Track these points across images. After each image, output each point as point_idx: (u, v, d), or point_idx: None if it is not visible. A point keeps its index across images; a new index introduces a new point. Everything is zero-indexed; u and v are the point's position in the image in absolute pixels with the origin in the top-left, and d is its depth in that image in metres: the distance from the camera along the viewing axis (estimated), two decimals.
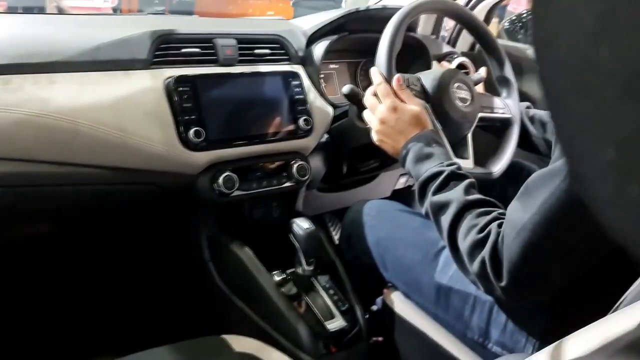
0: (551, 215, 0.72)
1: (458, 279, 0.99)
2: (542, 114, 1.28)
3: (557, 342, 0.53)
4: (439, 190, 0.91)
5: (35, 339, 1.33)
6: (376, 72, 1.06)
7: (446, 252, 1.03)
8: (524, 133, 1.26)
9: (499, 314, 0.94)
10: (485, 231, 0.82)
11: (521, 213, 0.75)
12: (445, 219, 0.88)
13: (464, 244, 0.84)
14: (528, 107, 1.31)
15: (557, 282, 0.80)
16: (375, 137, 1.06)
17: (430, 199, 0.91)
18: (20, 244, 1.12)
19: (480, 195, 0.89)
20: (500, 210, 0.86)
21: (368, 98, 1.07)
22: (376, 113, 1.04)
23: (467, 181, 0.91)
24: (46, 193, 1.00)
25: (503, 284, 0.78)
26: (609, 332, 0.48)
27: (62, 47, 0.99)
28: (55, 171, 0.98)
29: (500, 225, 0.81)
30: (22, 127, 0.92)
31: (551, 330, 0.89)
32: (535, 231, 0.73)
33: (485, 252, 0.80)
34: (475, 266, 0.82)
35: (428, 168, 0.94)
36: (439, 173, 0.92)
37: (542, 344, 0.89)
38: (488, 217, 0.84)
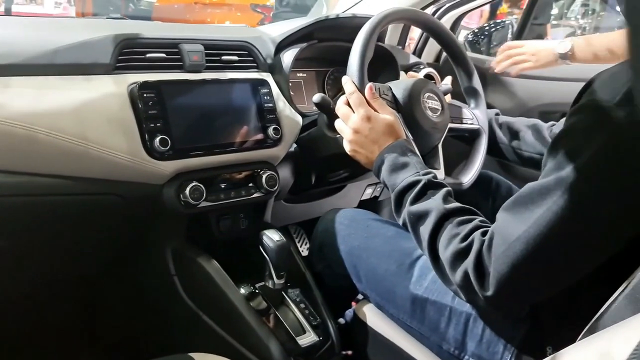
0: (547, 230, 0.72)
1: (434, 290, 0.97)
2: (511, 120, 1.29)
3: (551, 357, 0.52)
4: (417, 199, 0.90)
5: None
6: (348, 81, 1.04)
7: (421, 263, 1.02)
8: (492, 139, 1.28)
9: (476, 325, 0.93)
10: (468, 240, 0.81)
11: (514, 225, 0.75)
12: (425, 229, 0.87)
13: (445, 253, 0.82)
14: (497, 114, 1.33)
15: (543, 293, 0.80)
16: (348, 147, 1.04)
17: (408, 208, 0.90)
18: None
19: (459, 204, 0.88)
20: (481, 218, 0.86)
21: (340, 107, 1.05)
22: (349, 123, 1.02)
23: (444, 190, 0.91)
24: None
25: (488, 293, 0.77)
26: (605, 352, 0.47)
27: (18, 49, 0.93)
28: (8, 181, 0.92)
29: (483, 234, 0.80)
30: None
31: (529, 341, 0.89)
32: (529, 244, 0.73)
33: (469, 262, 0.79)
34: (457, 276, 0.80)
35: (404, 178, 0.93)
36: (416, 182, 0.92)
37: (520, 354, 0.89)
38: (470, 226, 0.83)
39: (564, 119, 0.79)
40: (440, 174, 1.14)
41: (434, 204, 0.88)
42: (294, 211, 1.47)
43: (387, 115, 1.01)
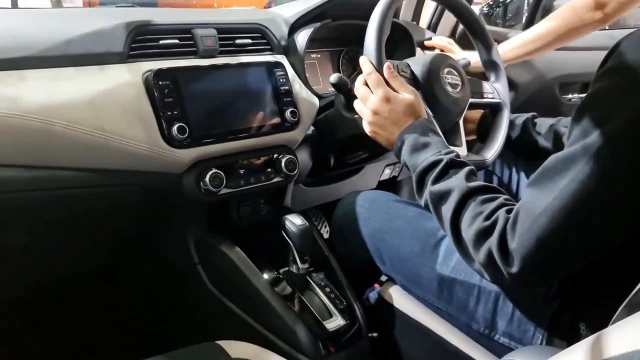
0: (573, 201, 0.69)
1: (461, 269, 0.96)
2: (551, 121, 1.23)
3: (595, 335, 0.50)
4: (439, 179, 0.88)
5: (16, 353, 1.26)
6: (366, 61, 1.02)
7: (446, 243, 1.00)
8: (533, 144, 1.24)
9: (505, 304, 0.91)
10: (492, 218, 0.78)
11: (539, 198, 0.72)
12: (447, 208, 0.84)
13: (468, 232, 0.80)
14: (534, 117, 1.28)
15: (571, 268, 0.77)
16: (368, 128, 1.02)
17: (430, 188, 0.88)
18: None
19: (482, 182, 0.86)
20: (506, 196, 0.83)
21: (359, 88, 1.02)
22: (368, 104, 1.00)
23: (467, 168, 0.88)
24: (16, 200, 0.93)
25: (513, 270, 0.74)
26: None
27: (31, 41, 0.92)
28: (26, 175, 0.91)
29: (508, 212, 0.78)
30: None
31: (560, 318, 0.87)
32: (554, 217, 0.70)
33: (493, 239, 0.76)
34: (481, 255, 0.78)
35: (425, 158, 0.91)
36: (437, 162, 0.89)
37: (552, 332, 0.87)
38: (494, 204, 0.81)
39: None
40: (462, 150, 1.11)
41: (457, 182, 0.85)
42: (312, 194, 1.46)
43: (407, 94, 0.99)
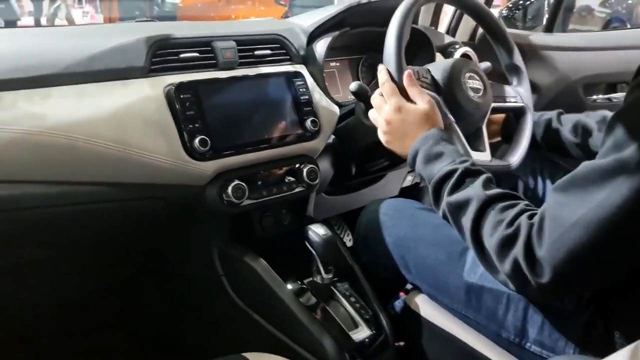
0: (610, 215, 0.67)
1: (489, 277, 0.93)
2: (578, 117, 1.21)
3: (636, 344, 0.49)
4: (455, 189, 0.86)
5: None
6: (382, 70, 1.01)
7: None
8: (559, 141, 1.22)
9: (536, 312, 0.89)
10: (514, 225, 0.77)
11: (570, 207, 0.70)
12: (467, 219, 0.83)
13: (491, 241, 0.79)
14: (560, 114, 1.25)
15: (605, 279, 0.76)
16: (383, 138, 1.03)
17: (447, 199, 0.86)
18: (14, 270, 1.05)
19: (500, 189, 0.84)
20: (526, 202, 0.82)
21: (375, 97, 1.03)
22: (382, 113, 1.00)
23: (483, 176, 0.86)
24: (42, 215, 0.94)
25: (543, 281, 0.73)
26: None
27: (55, 59, 0.93)
28: (50, 191, 0.92)
29: (530, 217, 0.76)
30: (15, 147, 0.86)
31: (594, 326, 0.85)
32: (589, 229, 0.68)
33: (518, 248, 0.75)
34: (506, 265, 0.76)
35: (440, 168, 0.89)
36: (453, 171, 0.87)
37: (585, 341, 0.85)
38: (515, 210, 0.79)
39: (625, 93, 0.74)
40: (486, 155, 1.10)
41: (474, 191, 0.83)
42: (335, 203, 1.45)
43: (423, 103, 0.97)
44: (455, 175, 0.86)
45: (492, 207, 0.81)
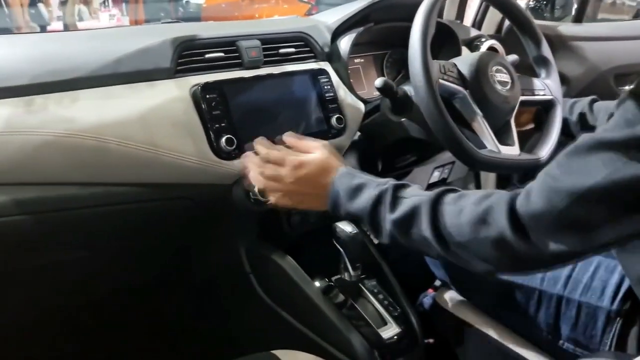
0: (621, 188, 0.61)
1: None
2: (611, 104, 1.17)
3: None
4: (394, 206, 0.81)
5: None
6: (259, 142, 0.98)
7: None
8: (589, 126, 1.18)
9: (569, 308, 0.88)
10: (483, 205, 0.72)
11: (572, 179, 0.65)
12: (422, 226, 0.77)
13: (460, 230, 0.73)
14: (593, 100, 1.22)
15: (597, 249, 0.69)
16: (284, 202, 0.94)
17: (390, 219, 0.80)
18: (50, 270, 1.07)
19: (440, 188, 0.81)
20: (476, 191, 0.78)
21: (263, 169, 0.94)
22: (283, 180, 0.92)
23: (415, 185, 0.84)
24: (75, 217, 0.96)
25: (533, 239, 0.67)
26: None
27: (83, 62, 0.95)
28: (83, 193, 0.94)
29: (488, 195, 0.73)
30: (47, 150, 0.88)
31: (630, 324, 0.83)
32: (592, 200, 0.63)
33: (499, 220, 0.69)
34: (487, 243, 0.70)
35: (368, 195, 0.84)
36: (383, 192, 0.83)
37: (620, 337, 0.83)
38: (469, 195, 0.75)
39: None
40: (514, 150, 1.08)
41: (416, 198, 0.79)
42: None
43: (319, 150, 0.94)
44: (388, 194, 0.82)
45: (442, 203, 0.77)
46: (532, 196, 0.68)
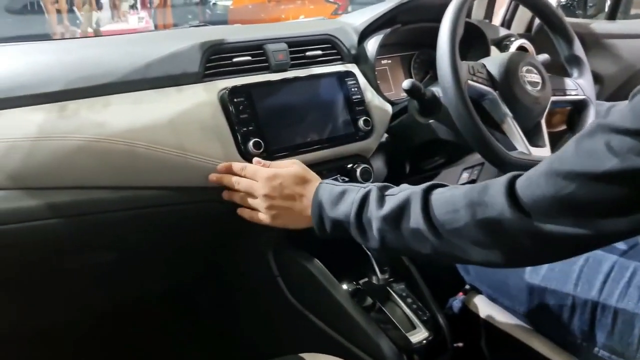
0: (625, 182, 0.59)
1: (552, 278, 0.91)
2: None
3: None
4: (381, 203, 0.78)
5: None
6: (232, 164, 0.95)
7: None
8: None
9: (604, 314, 0.86)
10: (478, 189, 0.70)
11: (575, 160, 0.62)
12: (414, 219, 0.74)
13: (457, 215, 0.70)
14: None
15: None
16: (268, 218, 0.92)
17: (378, 215, 0.77)
18: (82, 273, 1.09)
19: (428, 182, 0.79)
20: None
21: (238, 183, 0.93)
22: (257, 193, 0.91)
23: (402, 184, 0.82)
24: (106, 220, 0.97)
25: (535, 221, 0.64)
26: None
27: (114, 68, 0.96)
28: (113, 196, 0.95)
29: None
30: (79, 154, 0.90)
31: None
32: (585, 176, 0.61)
33: (498, 197, 0.66)
34: (487, 228, 0.67)
35: (352, 199, 0.82)
36: (367, 193, 0.81)
37: None
38: (461, 187, 0.73)
39: None
40: (545, 151, 1.06)
41: (405, 192, 0.77)
42: None
43: (291, 164, 0.93)
44: (374, 194, 0.80)
45: (434, 193, 0.74)
46: (535, 178, 0.65)
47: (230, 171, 0.95)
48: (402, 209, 0.75)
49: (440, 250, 0.73)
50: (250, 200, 0.93)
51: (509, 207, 0.65)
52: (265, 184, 0.90)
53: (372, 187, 0.81)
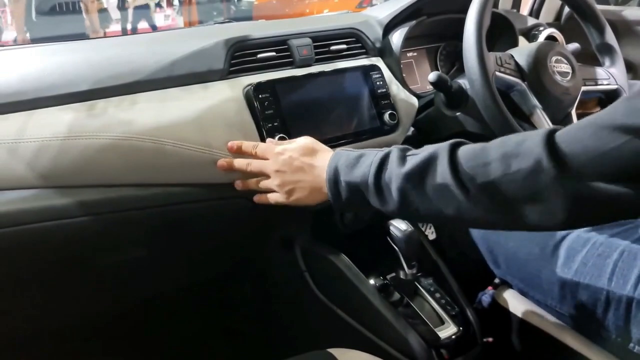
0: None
1: (585, 272, 0.89)
2: None
3: None
4: (402, 161, 0.73)
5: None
6: (243, 143, 0.94)
7: (568, 243, 0.93)
8: None
9: None
10: (512, 142, 0.64)
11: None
12: (441, 168, 0.68)
13: (488, 171, 0.64)
14: None
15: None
16: (284, 196, 0.88)
17: (401, 172, 0.71)
18: (113, 270, 1.11)
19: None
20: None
21: (250, 165, 0.92)
22: (268, 169, 0.89)
23: (425, 146, 0.75)
24: (135, 217, 0.98)
25: (575, 172, 0.60)
26: None
27: (140, 66, 0.97)
28: (142, 194, 0.96)
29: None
30: (107, 153, 0.91)
31: None
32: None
33: (534, 146, 0.61)
34: (521, 179, 0.62)
35: (370, 160, 0.76)
36: (387, 154, 0.75)
37: None
38: (491, 142, 0.67)
39: None
40: None
41: (430, 149, 0.71)
42: None
43: (298, 140, 0.90)
44: (394, 154, 0.74)
45: (462, 146, 0.70)
46: (578, 130, 0.61)
47: (241, 151, 0.94)
48: (427, 165, 0.70)
49: (466, 209, 0.67)
50: (264, 182, 0.92)
51: (547, 157, 0.60)
52: (275, 159, 0.88)
53: (393, 148, 0.77)
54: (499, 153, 0.65)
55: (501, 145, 0.66)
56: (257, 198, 0.96)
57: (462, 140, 0.73)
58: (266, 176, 0.91)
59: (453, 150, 0.69)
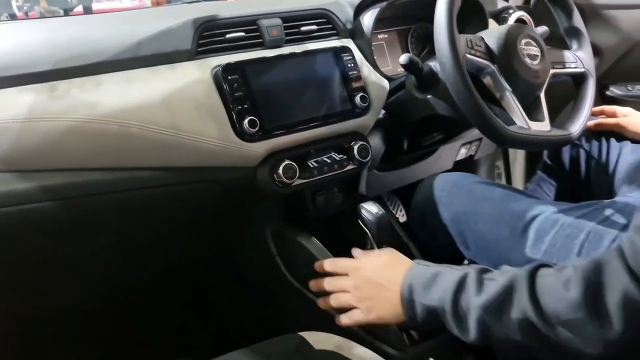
0: None
1: (554, 253, 0.90)
2: None
3: None
4: (480, 288, 0.70)
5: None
6: (325, 262, 0.98)
7: (537, 225, 0.94)
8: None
9: None
10: (590, 268, 0.63)
11: None
12: (522, 303, 0.65)
13: (572, 302, 0.62)
14: None
15: None
16: (364, 313, 0.87)
17: (478, 304, 0.69)
18: (81, 257, 1.08)
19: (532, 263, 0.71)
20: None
21: (332, 283, 0.94)
22: (347, 286, 0.89)
23: (503, 266, 0.75)
24: (102, 202, 0.96)
25: None
26: None
27: (105, 46, 0.94)
28: (108, 178, 0.94)
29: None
30: (71, 136, 0.88)
31: None
32: None
33: (618, 274, 0.59)
34: (614, 312, 0.59)
35: (447, 282, 0.74)
36: (464, 276, 0.73)
37: None
38: (569, 267, 0.66)
39: None
40: (545, 125, 1.05)
41: (508, 275, 0.69)
42: (387, 179, 1.43)
43: (380, 253, 0.92)
44: (471, 277, 0.72)
45: (541, 276, 0.67)
46: None
47: (322, 269, 0.96)
48: (505, 297, 0.67)
49: (551, 343, 0.65)
50: (344, 299, 0.90)
51: (634, 282, 0.58)
52: (353, 274, 0.89)
53: (470, 269, 0.74)
54: (582, 285, 0.62)
55: (583, 274, 0.63)
56: (338, 320, 0.93)
57: (541, 263, 0.71)
58: (345, 292, 0.90)
59: (532, 279, 0.67)
